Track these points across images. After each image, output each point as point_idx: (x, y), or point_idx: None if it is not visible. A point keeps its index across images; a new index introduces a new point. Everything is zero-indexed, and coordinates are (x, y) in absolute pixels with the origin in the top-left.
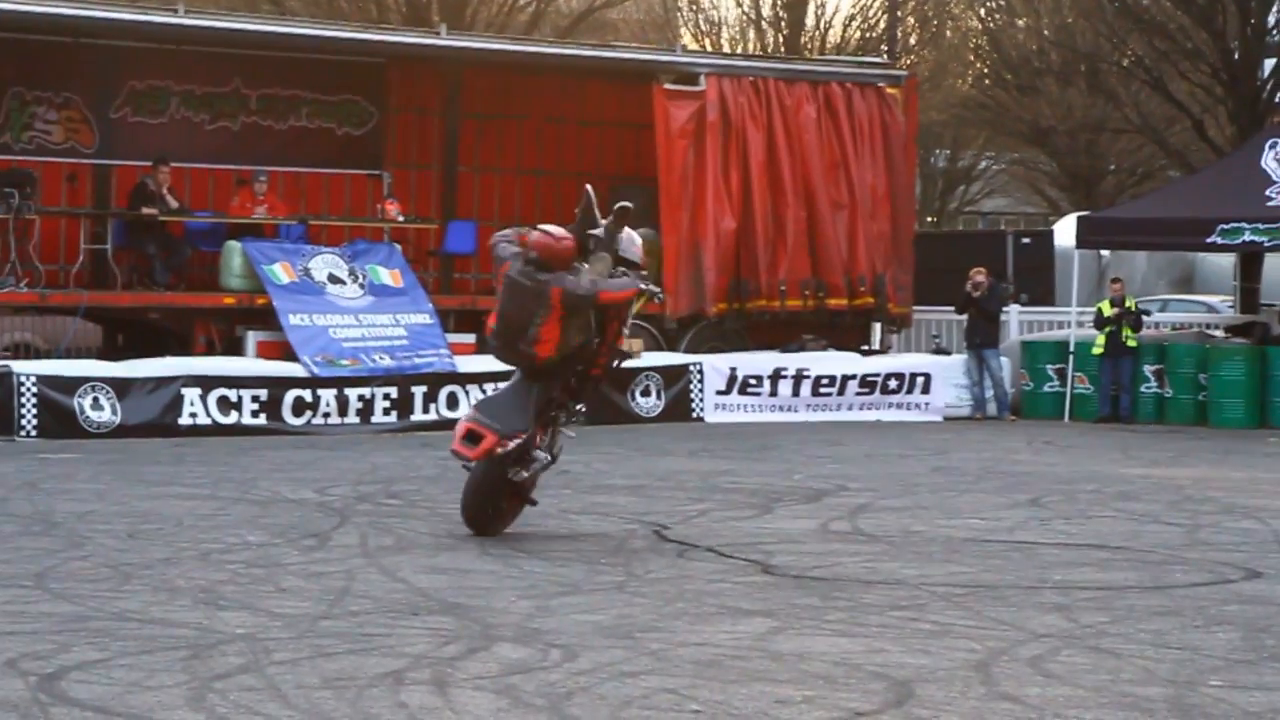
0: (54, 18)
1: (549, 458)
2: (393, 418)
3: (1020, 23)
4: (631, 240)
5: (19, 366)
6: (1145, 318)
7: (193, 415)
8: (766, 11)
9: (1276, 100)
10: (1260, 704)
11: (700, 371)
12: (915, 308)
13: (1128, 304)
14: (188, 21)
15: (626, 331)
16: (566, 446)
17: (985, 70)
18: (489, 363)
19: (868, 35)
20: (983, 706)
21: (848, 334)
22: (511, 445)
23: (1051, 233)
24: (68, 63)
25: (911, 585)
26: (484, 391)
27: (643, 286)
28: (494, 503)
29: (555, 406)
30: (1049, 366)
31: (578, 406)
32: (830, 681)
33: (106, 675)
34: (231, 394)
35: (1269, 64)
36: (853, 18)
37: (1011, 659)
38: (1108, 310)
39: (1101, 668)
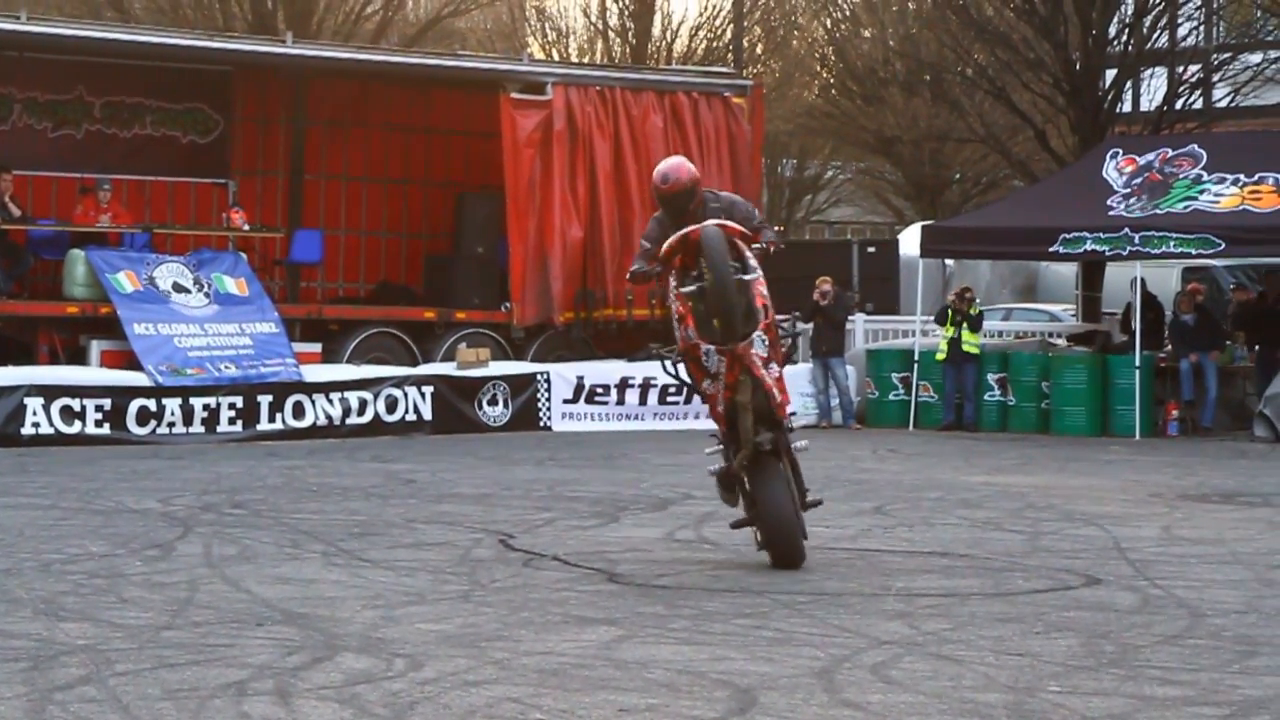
0: None
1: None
2: (238, 427)
3: (865, 33)
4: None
5: None
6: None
7: (35, 425)
8: (614, 21)
9: (1118, 111)
10: (1099, 709)
11: (547, 380)
12: None
13: (970, 310)
14: (30, 28)
15: (676, 334)
16: (410, 454)
17: (831, 80)
18: (335, 372)
19: (714, 45)
20: (825, 714)
21: None
22: None
23: (896, 242)
24: None
25: (756, 593)
26: (330, 401)
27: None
28: None
29: None
30: (894, 375)
31: None
32: (674, 690)
33: None
34: (75, 404)
35: (1110, 74)
36: (699, 27)
37: (854, 666)
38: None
39: (943, 674)
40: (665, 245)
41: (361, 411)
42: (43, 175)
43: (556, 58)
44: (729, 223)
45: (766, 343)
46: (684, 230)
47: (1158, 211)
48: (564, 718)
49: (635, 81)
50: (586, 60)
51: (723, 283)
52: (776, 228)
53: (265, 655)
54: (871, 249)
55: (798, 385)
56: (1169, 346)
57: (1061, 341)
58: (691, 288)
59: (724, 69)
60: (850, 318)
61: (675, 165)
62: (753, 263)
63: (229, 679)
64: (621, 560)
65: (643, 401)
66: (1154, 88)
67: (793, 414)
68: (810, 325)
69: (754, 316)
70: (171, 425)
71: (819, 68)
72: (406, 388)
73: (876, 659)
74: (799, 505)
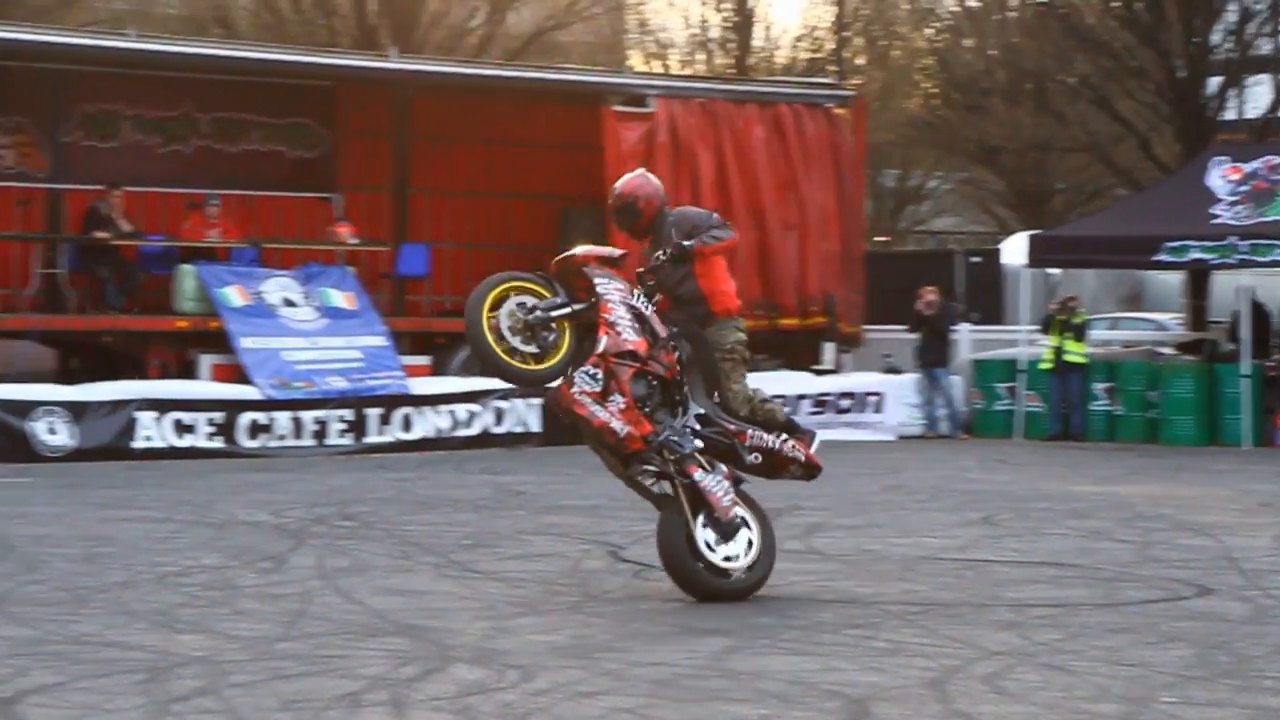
0: (5, 42)
1: None
2: (348, 440)
3: (967, 43)
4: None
5: None
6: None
7: (148, 438)
8: (715, 33)
9: (1222, 118)
10: None
11: None
12: (867, 327)
13: (1075, 319)
14: (139, 45)
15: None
16: (519, 466)
17: (933, 90)
18: (443, 384)
19: (816, 55)
20: None
21: (800, 354)
22: None
23: (1000, 251)
24: (19, 87)
25: (866, 603)
26: (438, 413)
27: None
28: None
29: None
30: (1000, 384)
31: None
32: (786, 700)
33: (64, 699)
34: (186, 417)
35: (1213, 82)
36: (800, 38)
37: (966, 676)
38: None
39: (1055, 684)
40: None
41: (470, 423)
42: (152, 191)
43: (658, 70)
44: (586, 249)
45: (598, 375)
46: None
47: (1264, 219)
48: None
49: (737, 93)
50: (688, 72)
51: (471, 343)
52: (881, 238)
53: (379, 666)
54: (976, 258)
55: (904, 395)
56: (1277, 355)
57: (1169, 350)
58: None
59: (826, 80)
60: (955, 328)
61: (624, 180)
62: (601, 289)
63: (343, 690)
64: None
65: None
66: (1259, 95)
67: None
68: (916, 335)
69: (585, 351)
70: (282, 438)
71: (921, 78)
72: (514, 399)
73: (988, 669)
74: (692, 533)
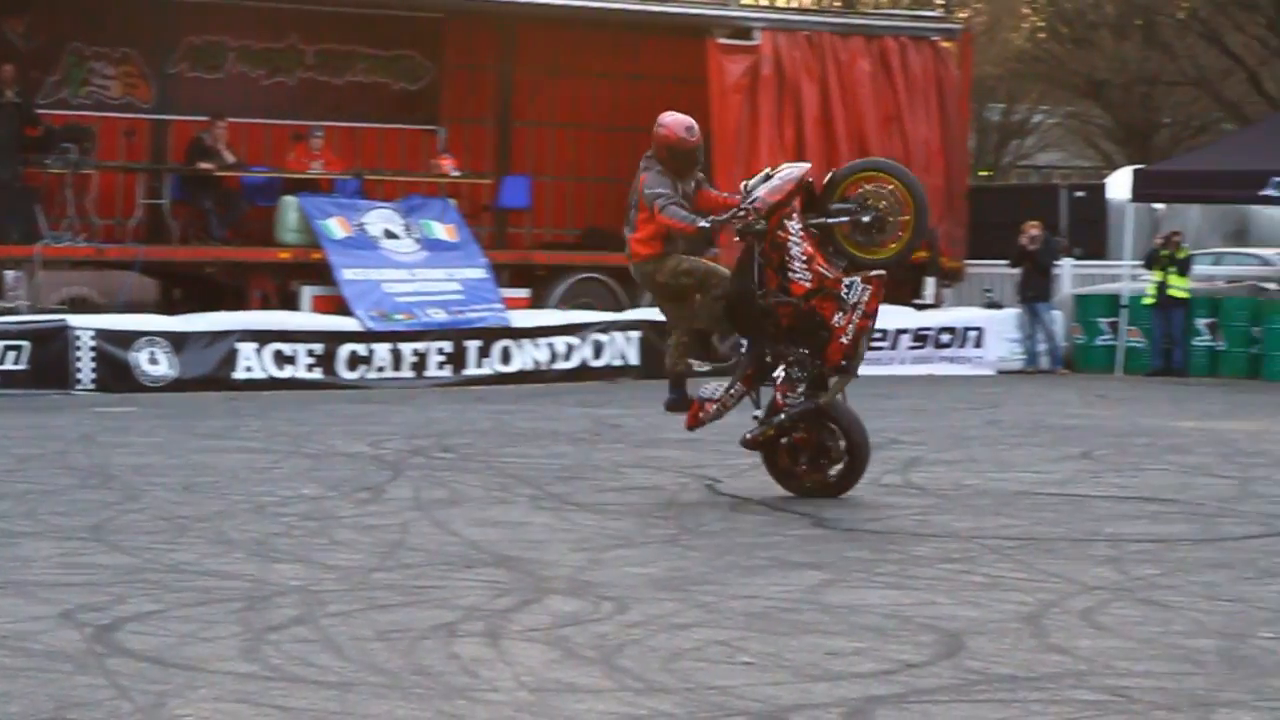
0: None
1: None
2: (447, 372)
3: None
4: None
5: (76, 320)
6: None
7: (248, 369)
8: None
9: None
10: None
11: None
12: (968, 261)
13: (1179, 254)
14: None
15: (798, 277)
16: (616, 399)
17: (1040, 23)
18: (543, 317)
19: None
20: (1033, 658)
21: (900, 288)
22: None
23: (1105, 186)
24: (125, 18)
25: (963, 538)
26: (537, 346)
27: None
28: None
29: (771, 362)
30: (1101, 320)
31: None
32: (881, 633)
33: (162, 626)
34: (287, 348)
35: None
36: None
37: (1062, 611)
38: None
39: (1152, 620)
40: (778, 191)
41: (568, 356)
42: (256, 122)
43: (764, 3)
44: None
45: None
46: (800, 174)
47: None
48: (771, 661)
49: (843, 26)
50: (794, 4)
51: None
52: (984, 172)
53: (474, 597)
54: (1080, 193)
55: (1005, 330)
56: None
57: (1273, 286)
58: (843, 219)
59: (933, 13)
60: (1057, 263)
61: (693, 121)
62: None
63: (439, 620)
64: (828, 505)
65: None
66: None
67: None
68: (1017, 270)
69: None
70: (381, 370)
71: (1028, 11)
72: (613, 333)
73: (1085, 604)
74: None
